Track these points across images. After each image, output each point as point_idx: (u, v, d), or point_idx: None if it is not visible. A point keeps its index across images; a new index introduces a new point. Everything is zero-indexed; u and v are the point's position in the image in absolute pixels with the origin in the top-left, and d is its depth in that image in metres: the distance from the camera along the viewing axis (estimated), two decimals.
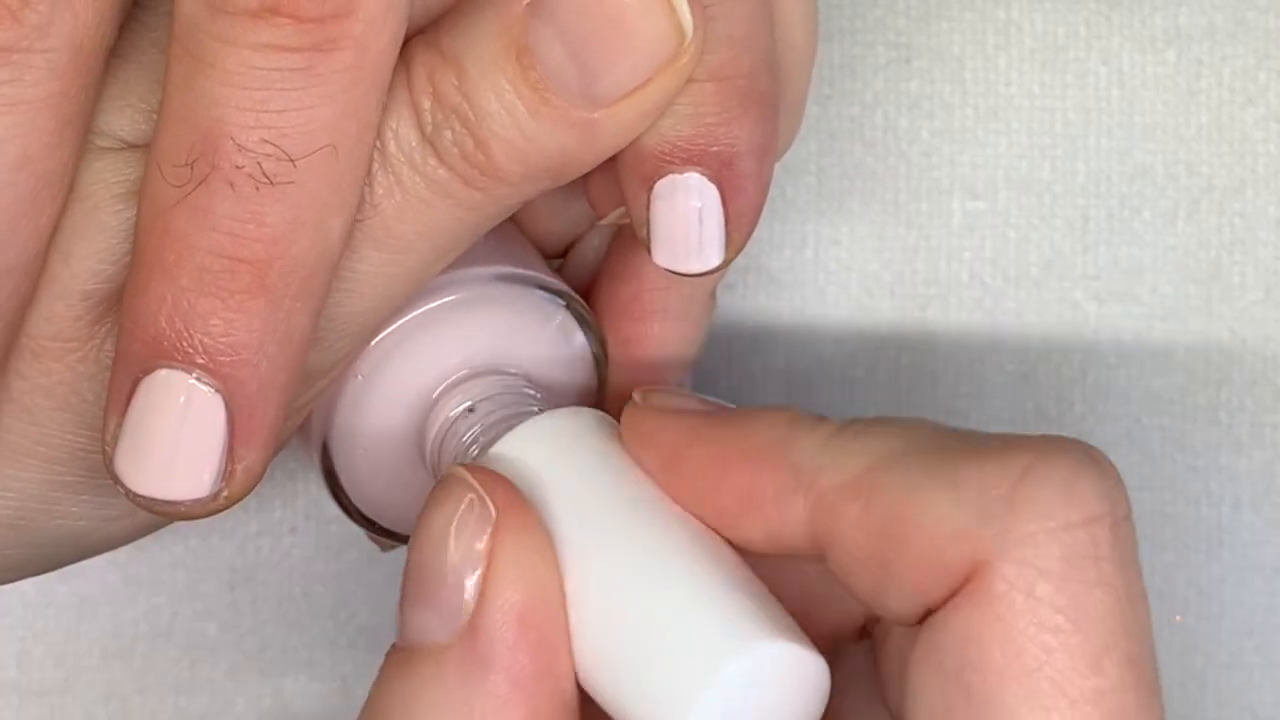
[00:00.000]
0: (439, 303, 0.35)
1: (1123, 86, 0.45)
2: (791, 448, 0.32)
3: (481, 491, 0.32)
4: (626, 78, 0.31)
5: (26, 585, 0.45)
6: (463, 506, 0.32)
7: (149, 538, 0.45)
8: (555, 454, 0.33)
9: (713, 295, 0.40)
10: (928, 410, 0.46)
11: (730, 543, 0.33)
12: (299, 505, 0.45)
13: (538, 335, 0.37)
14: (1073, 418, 0.46)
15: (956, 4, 0.45)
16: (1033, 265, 0.46)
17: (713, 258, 0.34)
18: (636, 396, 0.34)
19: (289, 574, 0.45)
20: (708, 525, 0.32)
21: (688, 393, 0.35)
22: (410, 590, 0.32)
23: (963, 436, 0.31)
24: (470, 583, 0.31)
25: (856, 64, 0.46)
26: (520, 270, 0.36)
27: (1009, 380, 0.46)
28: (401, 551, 0.45)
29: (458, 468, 0.32)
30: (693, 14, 0.31)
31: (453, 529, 0.31)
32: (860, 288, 0.46)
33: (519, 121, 0.31)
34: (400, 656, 0.32)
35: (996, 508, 0.30)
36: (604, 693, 0.32)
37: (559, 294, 0.37)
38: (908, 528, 0.30)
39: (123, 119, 0.32)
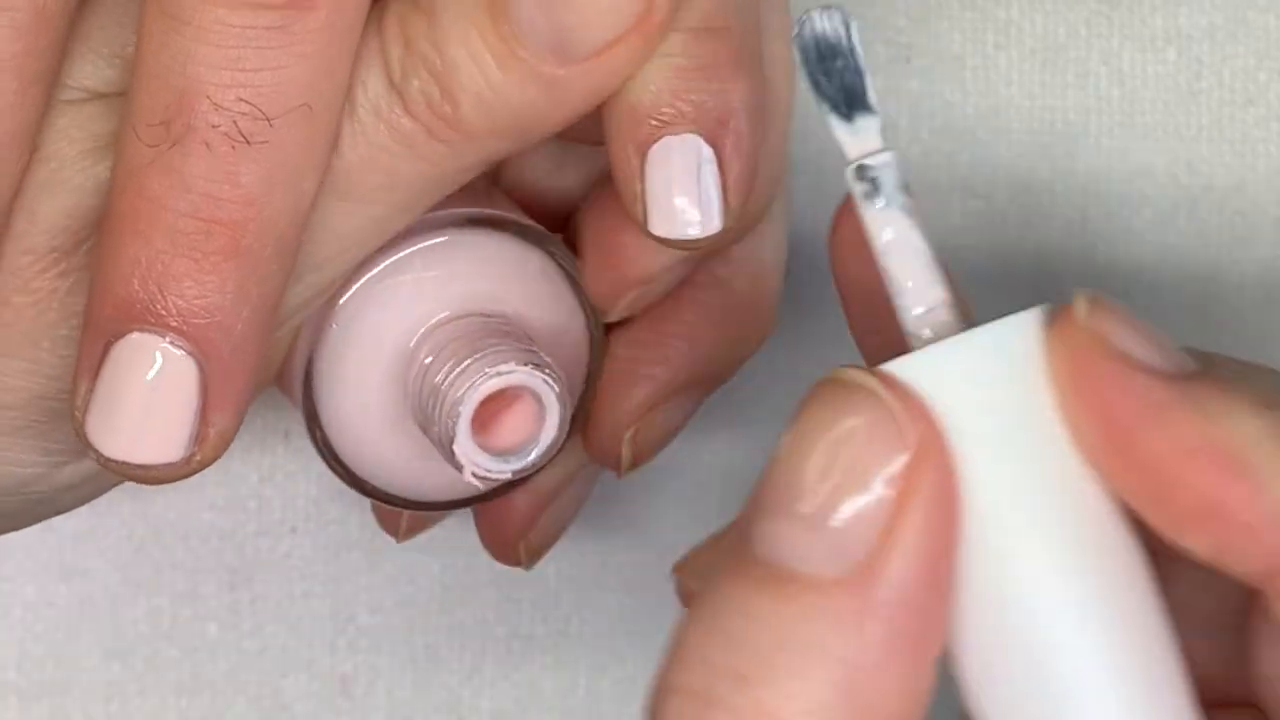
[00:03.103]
0: (412, 249, 0.35)
1: (1123, 86, 0.45)
2: None
3: (901, 412, 0.26)
4: (597, 35, 0.31)
5: (27, 586, 0.45)
6: (867, 422, 0.26)
7: (149, 539, 0.45)
8: (978, 387, 0.27)
9: None
10: None
11: (1156, 547, 0.27)
12: (299, 506, 0.45)
13: (515, 278, 0.36)
14: None
15: (957, 3, 0.45)
16: (1033, 265, 0.45)
17: (713, 221, 0.33)
18: (1081, 309, 0.27)
19: (289, 574, 0.45)
20: (1135, 516, 0.27)
21: (1141, 325, 0.27)
22: (781, 503, 0.26)
23: None
24: (876, 516, 0.26)
25: None
26: (494, 212, 0.36)
27: None
28: (404, 552, 0.45)
29: (864, 374, 0.27)
30: None
31: (856, 448, 0.26)
32: None
33: (486, 73, 0.31)
34: (767, 575, 0.26)
35: None
36: (972, 693, 0.27)
37: (535, 235, 0.36)
38: None
39: (85, 66, 0.32)
